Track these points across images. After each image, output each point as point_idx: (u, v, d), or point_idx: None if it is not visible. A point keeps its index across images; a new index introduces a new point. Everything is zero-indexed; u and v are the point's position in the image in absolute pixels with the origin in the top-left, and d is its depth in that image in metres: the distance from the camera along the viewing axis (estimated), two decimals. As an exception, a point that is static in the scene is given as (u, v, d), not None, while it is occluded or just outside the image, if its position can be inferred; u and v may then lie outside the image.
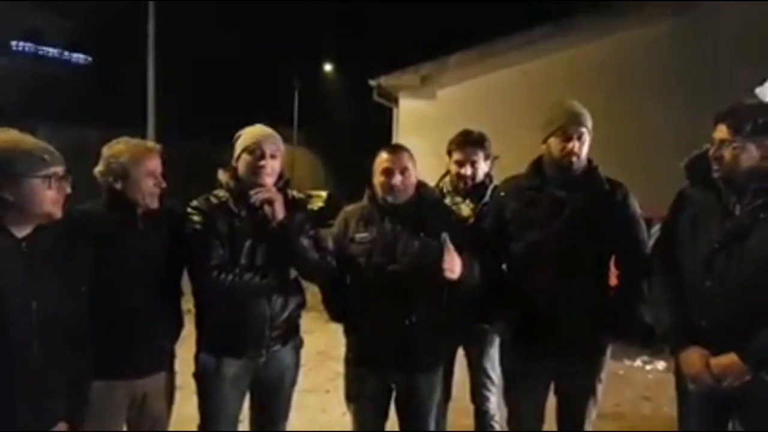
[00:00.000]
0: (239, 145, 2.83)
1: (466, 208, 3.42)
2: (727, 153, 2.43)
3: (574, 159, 2.86)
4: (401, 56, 10.92)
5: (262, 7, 36.91)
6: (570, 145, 2.85)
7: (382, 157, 2.94)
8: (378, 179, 2.94)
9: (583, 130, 2.87)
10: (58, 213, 2.17)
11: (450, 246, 2.73)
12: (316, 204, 25.19)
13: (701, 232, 2.54)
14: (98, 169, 2.66)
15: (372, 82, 10.46)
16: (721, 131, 2.46)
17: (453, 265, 2.72)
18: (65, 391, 2.26)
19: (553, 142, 2.89)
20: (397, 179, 2.88)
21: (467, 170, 3.48)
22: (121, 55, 24.50)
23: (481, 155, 3.49)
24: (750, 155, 2.41)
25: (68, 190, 2.19)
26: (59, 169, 2.15)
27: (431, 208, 3.01)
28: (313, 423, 4.66)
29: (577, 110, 2.90)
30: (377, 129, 13.42)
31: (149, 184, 2.66)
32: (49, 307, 2.14)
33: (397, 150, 2.97)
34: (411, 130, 9.58)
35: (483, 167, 3.52)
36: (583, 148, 2.88)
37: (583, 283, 2.86)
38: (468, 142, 3.49)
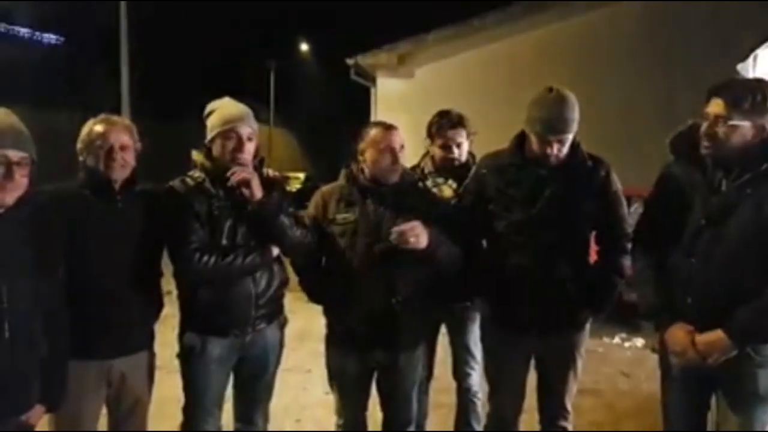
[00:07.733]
0: (213, 127, 2.76)
1: (448, 189, 3.38)
2: (721, 130, 2.36)
3: (553, 159, 2.80)
4: (378, 35, 10.84)
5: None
6: (548, 151, 2.76)
7: (381, 135, 2.85)
8: (374, 156, 2.85)
9: (564, 137, 2.75)
10: (4, 198, 2.11)
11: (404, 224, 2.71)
12: (294, 186, 25.12)
13: (686, 209, 2.52)
14: (77, 147, 2.65)
15: (349, 61, 10.39)
16: (717, 105, 2.37)
17: (415, 232, 2.69)
18: (40, 374, 2.24)
19: (534, 139, 2.80)
20: (397, 158, 2.84)
21: (454, 153, 3.45)
22: (94, 37, 24.05)
23: (464, 134, 3.46)
24: (743, 133, 2.35)
25: (18, 175, 2.12)
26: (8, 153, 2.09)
27: (411, 189, 2.99)
28: (296, 402, 4.67)
29: (556, 116, 2.69)
30: (355, 109, 13.34)
31: (116, 157, 2.60)
32: (19, 292, 2.11)
33: (394, 128, 2.90)
34: (389, 110, 9.54)
35: (466, 146, 3.50)
36: (563, 149, 2.79)
37: (564, 261, 2.87)
38: (450, 125, 3.44)
